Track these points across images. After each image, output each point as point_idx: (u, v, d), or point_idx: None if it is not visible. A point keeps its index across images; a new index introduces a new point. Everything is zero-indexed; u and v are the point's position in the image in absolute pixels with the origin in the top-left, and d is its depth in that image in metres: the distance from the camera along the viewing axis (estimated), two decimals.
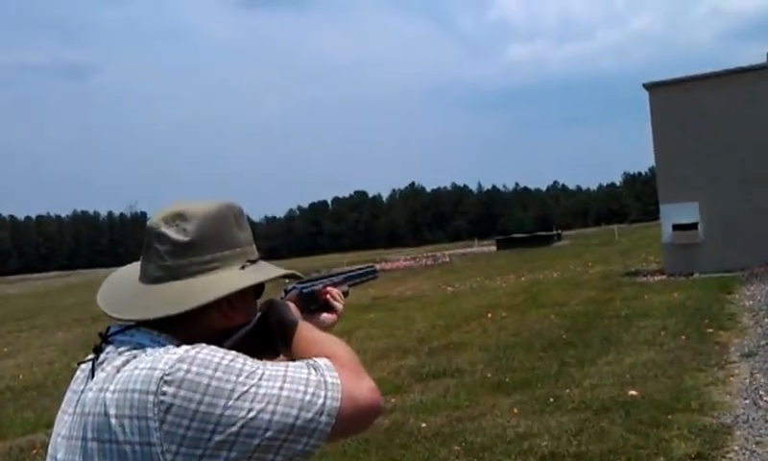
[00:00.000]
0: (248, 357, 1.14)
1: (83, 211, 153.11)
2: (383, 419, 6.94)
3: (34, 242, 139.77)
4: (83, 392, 1.19)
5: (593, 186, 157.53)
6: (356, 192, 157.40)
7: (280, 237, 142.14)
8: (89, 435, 1.12)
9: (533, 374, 8.07)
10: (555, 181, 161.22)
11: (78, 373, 1.28)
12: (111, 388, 1.12)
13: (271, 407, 1.09)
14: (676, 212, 17.80)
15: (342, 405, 1.14)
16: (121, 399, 1.09)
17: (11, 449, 7.35)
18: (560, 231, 62.50)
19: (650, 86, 18.57)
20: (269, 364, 1.15)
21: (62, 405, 1.27)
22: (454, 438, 6.04)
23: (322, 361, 1.19)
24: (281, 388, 1.11)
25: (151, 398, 1.07)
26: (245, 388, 1.08)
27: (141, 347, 1.18)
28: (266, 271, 1.33)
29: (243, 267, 1.28)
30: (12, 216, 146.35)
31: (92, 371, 1.20)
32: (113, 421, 1.09)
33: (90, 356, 1.24)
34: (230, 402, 1.07)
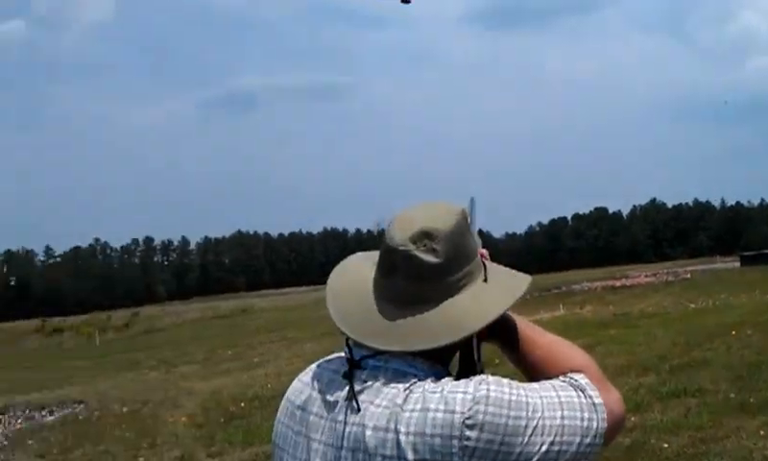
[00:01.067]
0: (520, 385, 1.09)
1: (332, 228, 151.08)
2: (623, 438, 6.61)
3: (285, 258, 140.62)
4: (344, 423, 1.11)
5: None
6: (596, 208, 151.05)
7: (520, 254, 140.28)
8: (387, 453, 1.05)
9: None
10: None
11: (317, 394, 1.19)
12: (404, 431, 1.04)
13: (558, 439, 1.05)
14: None
15: (607, 425, 1.10)
16: (419, 442, 1.03)
17: (257, 456, 7.36)
18: None
19: None
20: (539, 390, 1.09)
21: (300, 428, 1.18)
22: (698, 460, 5.63)
23: (581, 380, 1.13)
24: (562, 417, 1.06)
25: (455, 442, 1.01)
26: (534, 423, 1.04)
27: (402, 375, 1.10)
28: (508, 285, 1.22)
29: (485, 279, 1.19)
30: (266, 233, 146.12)
31: (355, 400, 1.10)
32: (427, 439, 1.03)
33: (338, 392, 1.15)
34: (525, 439, 1.03)
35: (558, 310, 22.72)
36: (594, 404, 1.10)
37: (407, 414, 1.05)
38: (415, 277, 1.12)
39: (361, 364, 1.13)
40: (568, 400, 1.09)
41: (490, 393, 1.05)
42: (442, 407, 1.04)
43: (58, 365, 24.00)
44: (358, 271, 1.23)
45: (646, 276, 42.28)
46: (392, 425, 1.05)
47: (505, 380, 1.09)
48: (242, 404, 10.41)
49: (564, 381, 1.13)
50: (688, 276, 38.09)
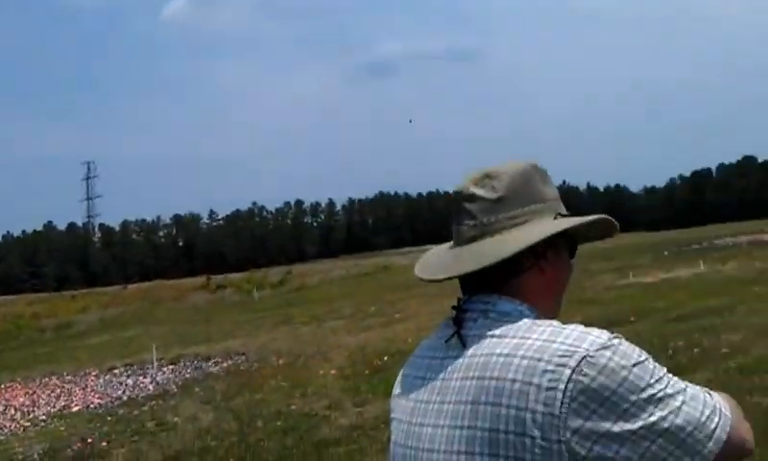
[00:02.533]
0: (653, 361, 1.15)
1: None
2: (764, 397, 6.36)
3: (425, 217, 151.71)
4: (455, 358, 1.22)
5: None
6: (744, 157, 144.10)
7: (660, 209, 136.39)
8: (482, 399, 1.13)
9: None
10: None
11: (430, 342, 1.34)
12: (521, 354, 1.13)
13: (671, 417, 1.09)
14: None
15: (727, 438, 1.14)
16: (531, 366, 1.10)
17: None
18: None
19: None
20: (670, 374, 1.15)
21: (414, 371, 1.32)
22: None
23: (714, 393, 1.19)
24: (683, 402, 1.11)
25: (567, 372, 1.08)
26: (653, 391, 1.09)
27: (507, 315, 1.21)
28: (577, 218, 1.31)
29: (555, 217, 1.30)
30: (406, 193, 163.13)
31: (461, 338, 1.22)
32: (517, 386, 1.10)
33: (448, 333, 1.27)
34: (638, 400, 1.08)
35: (698, 267, 21.87)
36: (720, 411, 1.15)
37: (530, 341, 1.14)
38: (475, 213, 1.28)
39: (469, 308, 1.26)
40: (694, 393, 1.14)
41: (621, 346, 1.12)
42: (568, 342, 1.12)
43: (221, 319, 26.89)
44: (449, 243, 1.39)
45: None
46: (500, 350, 1.16)
47: (642, 350, 1.15)
48: (385, 358, 11.42)
49: (697, 386, 1.19)
50: None
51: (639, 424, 1.07)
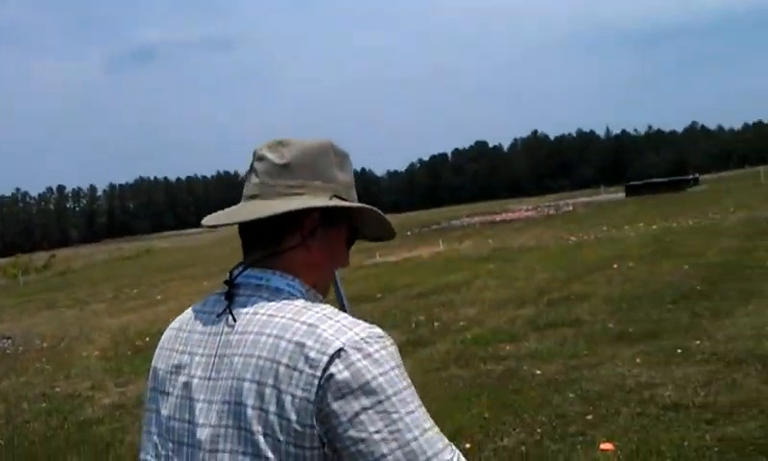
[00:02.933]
0: (410, 383, 1.16)
1: (225, 172, 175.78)
2: (496, 365, 7.02)
3: (185, 202, 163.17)
4: (221, 333, 1.25)
5: (737, 126, 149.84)
6: (477, 143, 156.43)
7: (402, 191, 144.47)
8: (249, 376, 1.16)
9: (659, 325, 7.89)
10: (693, 122, 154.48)
11: (193, 314, 1.35)
12: (287, 337, 1.16)
13: (393, 445, 1.10)
14: None
15: None
16: (297, 351, 1.14)
17: None
18: (696, 176, 59.93)
19: None
20: (422, 410, 1.15)
21: (181, 345, 1.32)
22: (569, 385, 6.03)
23: (459, 454, 1.19)
24: (416, 438, 1.12)
25: (325, 360, 1.11)
26: (392, 409, 1.11)
27: (280, 292, 1.25)
28: (347, 202, 1.35)
29: (331, 198, 1.32)
30: (166, 178, 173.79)
31: (232, 314, 1.24)
32: (282, 369, 1.13)
33: (216, 309, 1.29)
34: (376, 407, 1.11)
35: (437, 246, 23.51)
36: (459, 455, 1.17)
37: (297, 325, 1.18)
38: (261, 173, 1.33)
39: (242, 283, 1.30)
40: (434, 437, 1.15)
41: (379, 347, 1.16)
42: (331, 331, 1.16)
43: None
44: None
45: (527, 210, 44.34)
46: (272, 331, 1.18)
47: (400, 364, 1.17)
48: (147, 339, 11.63)
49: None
50: (570, 209, 40.31)
51: (363, 436, 1.10)
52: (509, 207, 51.31)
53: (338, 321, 1.18)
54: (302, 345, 1.14)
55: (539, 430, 5.07)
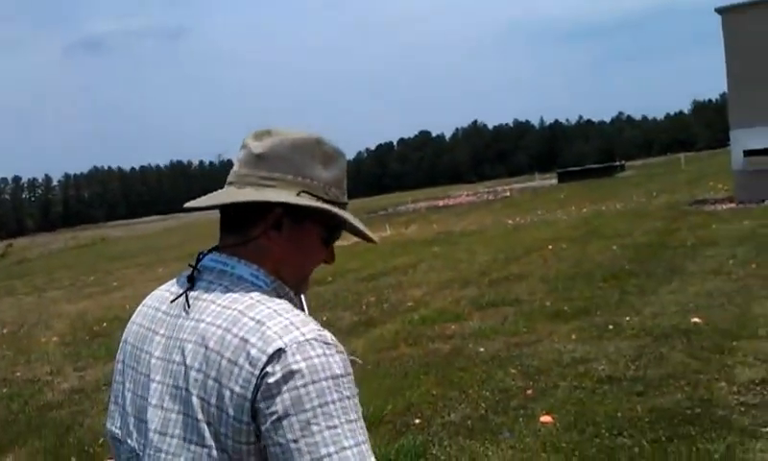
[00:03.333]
0: (354, 395, 1.11)
1: (178, 161, 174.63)
2: (443, 344, 7.03)
3: (139, 191, 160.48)
4: (179, 317, 1.21)
5: (660, 116, 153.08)
6: (420, 132, 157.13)
7: (350, 179, 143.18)
8: (196, 365, 1.13)
9: (592, 302, 8.00)
10: (619, 112, 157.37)
11: (164, 293, 1.29)
12: (234, 331, 1.11)
13: (306, 458, 1.04)
14: (748, 137, 17.18)
15: None
16: (239, 346, 1.09)
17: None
18: (623, 162, 61.05)
19: (722, 10, 17.85)
20: (361, 425, 1.09)
21: (145, 321, 1.28)
22: (511, 362, 6.07)
23: None
24: (349, 447, 1.06)
25: (264, 359, 1.07)
26: (331, 415, 1.06)
27: (242, 281, 1.20)
28: (321, 204, 1.26)
29: (299, 194, 1.24)
30: (119, 167, 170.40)
31: (187, 299, 1.21)
32: (224, 363, 1.09)
33: (180, 291, 1.24)
34: (311, 412, 1.05)
35: (385, 231, 23.49)
36: None
37: (245, 319, 1.12)
38: (241, 161, 1.28)
39: (207, 267, 1.25)
40: (366, 454, 1.08)
41: (318, 359, 1.09)
42: (274, 329, 1.11)
43: None
44: None
45: (468, 195, 44.65)
46: (222, 323, 1.14)
47: (347, 375, 1.11)
48: (104, 324, 11.53)
49: None
50: (508, 194, 40.71)
51: (289, 441, 1.05)
52: (451, 194, 51.61)
53: (287, 318, 1.12)
54: (246, 341, 1.09)
55: (483, 405, 5.09)
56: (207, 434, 1.10)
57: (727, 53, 17.68)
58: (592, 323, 7.06)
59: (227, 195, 1.25)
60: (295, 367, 1.06)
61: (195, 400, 1.11)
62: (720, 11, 17.85)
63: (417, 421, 4.91)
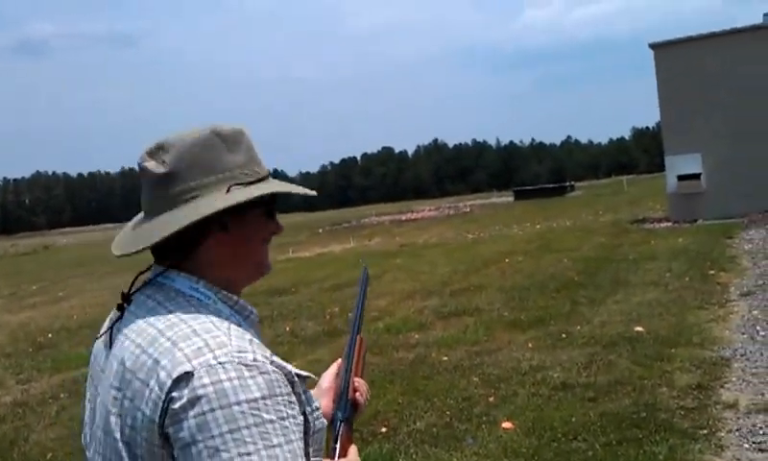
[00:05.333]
0: (286, 416, 1.00)
1: (130, 168, 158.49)
2: (407, 353, 6.99)
3: (86, 197, 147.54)
4: (118, 335, 1.12)
5: (604, 141, 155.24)
6: (384, 148, 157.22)
7: (314, 191, 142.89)
8: (119, 385, 1.06)
9: (546, 312, 8.03)
10: (568, 136, 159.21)
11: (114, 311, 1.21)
12: (145, 349, 1.04)
13: None
14: (680, 164, 17.48)
15: None
16: (152, 368, 1.02)
17: (64, 381, 7.63)
18: (573, 183, 61.72)
19: (655, 46, 18.18)
20: (290, 449, 0.98)
21: (98, 341, 1.22)
22: (473, 370, 6.06)
23: None
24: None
25: (169, 383, 0.98)
26: (219, 446, 0.95)
27: (179, 295, 1.11)
28: (249, 191, 1.15)
29: (228, 190, 1.13)
30: (65, 173, 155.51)
31: (122, 312, 1.14)
32: (137, 384, 1.02)
33: (108, 325, 1.18)
34: (200, 445, 0.96)
35: (349, 243, 23.37)
36: None
37: (162, 340, 1.04)
38: (149, 187, 1.14)
39: (150, 278, 1.15)
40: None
41: (228, 383, 0.98)
42: (185, 351, 1.01)
43: None
44: None
45: (430, 210, 44.70)
46: (141, 342, 1.06)
47: (251, 393, 0.98)
48: (49, 335, 10.80)
49: None
50: (468, 210, 40.84)
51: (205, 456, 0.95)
52: (414, 208, 51.66)
53: (203, 339, 1.02)
54: (158, 362, 1.01)
55: (448, 413, 5.06)
56: (125, 453, 1.03)
57: (659, 85, 18.01)
58: (547, 332, 7.09)
59: (159, 227, 1.11)
60: (201, 391, 0.96)
61: (113, 419, 1.04)
62: (653, 46, 18.20)
63: (383, 429, 4.85)
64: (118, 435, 1.03)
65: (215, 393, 0.96)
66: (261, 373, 1.00)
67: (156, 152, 1.14)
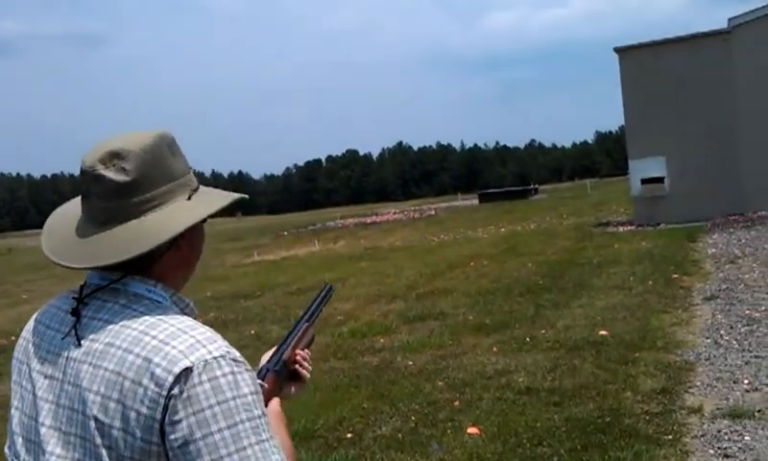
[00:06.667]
0: (265, 413, 1.06)
1: None
2: (372, 357, 6.95)
3: (50, 199, 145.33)
4: (72, 336, 1.11)
5: (568, 144, 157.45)
6: (348, 151, 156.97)
7: (278, 194, 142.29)
8: (94, 387, 1.05)
9: (511, 316, 8.07)
10: (532, 140, 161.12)
11: (55, 311, 1.20)
12: (136, 351, 1.04)
13: None
14: (644, 167, 17.77)
15: None
16: (143, 366, 1.02)
17: None
18: (537, 186, 62.42)
19: (620, 50, 18.45)
20: (274, 444, 1.04)
21: (38, 339, 1.18)
22: (438, 374, 6.04)
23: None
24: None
25: (171, 380, 1.00)
26: (218, 441, 1.00)
27: (139, 298, 1.11)
28: (212, 199, 1.21)
29: (189, 198, 1.17)
30: (29, 175, 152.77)
31: (79, 319, 1.11)
32: (127, 384, 1.02)
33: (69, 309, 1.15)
34: (200, 442, 0.99)
35: (313, 246, 23.25)
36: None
37: (148, 338, 1.05)
38: (107, 196, 1.12)
39: (100, 285, 1.14)
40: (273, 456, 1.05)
41: (235, 371, 1.04)
42: (180, 348, 1.04)
43: None
44: (75, 201, 1.23)
45: (395, 213, 44.76)
46: (123, 344, 1.06)
47: (257, 393, 1.06)
48: (12, 338, 10.50)
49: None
50: (433, 212, 40.97)
51: (209, 458, 0.99)
52: (379, 211, 51.72)
53: (192, 336, 1.05)
54: (149, 361, 1.02)
55: (413, 418, 5.02)
56: (105, 457, 1.02)
57: (623, 89, 18.28)
58: (512, 336, 7.11)
59: (129, 239, 1.10)
60: (200, 388, 1.00)
61: (93, 423, 1.03)
62: (618, 50, 18.47)
63: (348, 435, 4.80)
64: (99, 440, 1.03)
65: (212, 389, 1.01)
66: (246, 370, 1.05)
67: (112, 159, 1.12)
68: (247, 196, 1.31)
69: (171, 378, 1.00)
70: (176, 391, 1.00)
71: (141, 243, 1.10)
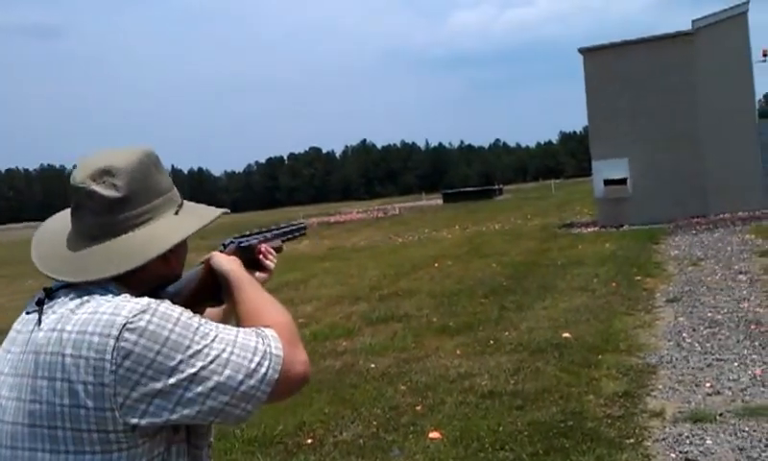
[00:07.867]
0: (201, 317, 1.14)
1: (49, 165, 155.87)
2: (334, 361, 6.90)
3: (4, 195, 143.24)
4: (31, 332, 1.15)
5: (532, 144, 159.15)
6: (311, 148, 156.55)
7: (240, 191, 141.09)
8: (39, 373, 1.08)
9: (475, 318, 8.09)
10: (497, 139, 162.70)
11: (23, 315, 1.23)
12: (69, 328, 1.09)
13: (219, 370, 1.09)
14: (607, 168, 18.02)
15: (279, 376, 1.16)
16: (79, 339, 1.06)
17: None
18: (501, 186, 62.92)
19: (584, 51, 18.68)
20: (221, 327, 1.14)
21: (7, 345, 1.22)
22: (401, 378, 6.02)
23: (269, 331, 1.19)
24: (231, 353, 1.11)
25: (111, 342, 1.05)
26: (198, 347, 1.08)
27: (92, 293, 1.15)
28: (199, 214, 1.30)
29: (176, 212, 1.26)
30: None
31: (39, 317, 1.15)
32: (68, 360, 1.06)
33: (35, 308, 1.19)
34: (184, 358, 1.07)
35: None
36: (271, 354, 1.16)
37: (77, 315, 1.10)
38: (98, 211, 1.18)
39: (60, 289, 1.19)
40: (244, 342, 1.14)
41: (160, 308, 1.10)
42: (110, 311, 1.08)
43: None
44: (65, 213, 1.28)
45: (358, 212, 44.77)
46: (61, 326, 1.10)
47: (186, 310, 1.13)
48: None
49: (252, 329, 1.19)
50: (397, 212, 41.09)
51: (188, 380, 1.07)
52: (342, 210, 51.64)
53: (118, 301, 1.11)
54: (84, 332, 1.07)
55: (374, 423, 4.99)
56: (61, 438, 1.06)
57: (587, 90, 18.53)
58: (475, 338, 7.13)
59: (121, 253, 1.17)
60: (150, 326, 1.07)
61: (44, 407, 1.07)
62: (582, 51, 18.70)
63: (309, 441, 4.75)
64: (53, 422, 1.06)
65: (159, 319, 1.08)
66: (170, 304, 1.12)
67: (102, 176, 1.18)
68: (229, 211, 1.41)
69: (111, 341, 1.05)
70: (122, 344, 1.05)
71: (133, 258, 1.16)
